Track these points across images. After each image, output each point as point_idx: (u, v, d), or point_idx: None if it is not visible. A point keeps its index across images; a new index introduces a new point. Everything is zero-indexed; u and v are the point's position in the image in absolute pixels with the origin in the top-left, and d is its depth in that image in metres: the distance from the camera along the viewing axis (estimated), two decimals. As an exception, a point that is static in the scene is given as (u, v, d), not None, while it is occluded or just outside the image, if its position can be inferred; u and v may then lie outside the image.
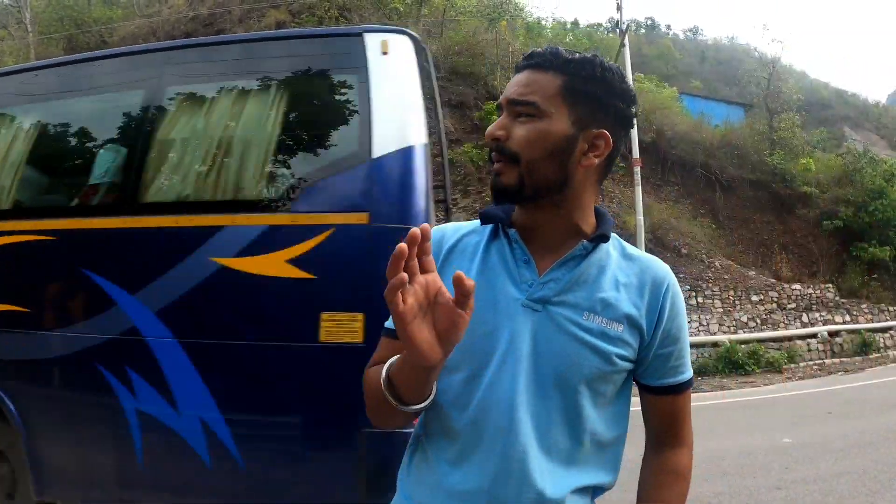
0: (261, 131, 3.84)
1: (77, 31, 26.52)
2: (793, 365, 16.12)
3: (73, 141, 4.36)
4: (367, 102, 3.60)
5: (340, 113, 3.86)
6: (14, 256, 4.03)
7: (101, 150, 4.14)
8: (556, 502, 1.31)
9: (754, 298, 18.72)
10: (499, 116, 1.38)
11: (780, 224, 23.62)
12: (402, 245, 0.99)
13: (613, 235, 1.43)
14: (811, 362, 16.60)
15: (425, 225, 1.02)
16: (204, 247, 3.58)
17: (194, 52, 4.46)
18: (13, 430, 3.87)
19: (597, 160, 1.36)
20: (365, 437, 3.24)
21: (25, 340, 3.93)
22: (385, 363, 1.27)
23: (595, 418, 1.35)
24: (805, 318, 18.21)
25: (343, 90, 3.90)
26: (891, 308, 19.89)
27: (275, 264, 3.45)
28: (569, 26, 44.99)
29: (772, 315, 18.17)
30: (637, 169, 16.98)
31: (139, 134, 4.02)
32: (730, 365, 15.55)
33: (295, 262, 3.42)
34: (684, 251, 19.42)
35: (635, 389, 1.47)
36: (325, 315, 3.35)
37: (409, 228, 1.02)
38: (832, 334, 17.78)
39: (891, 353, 17.80)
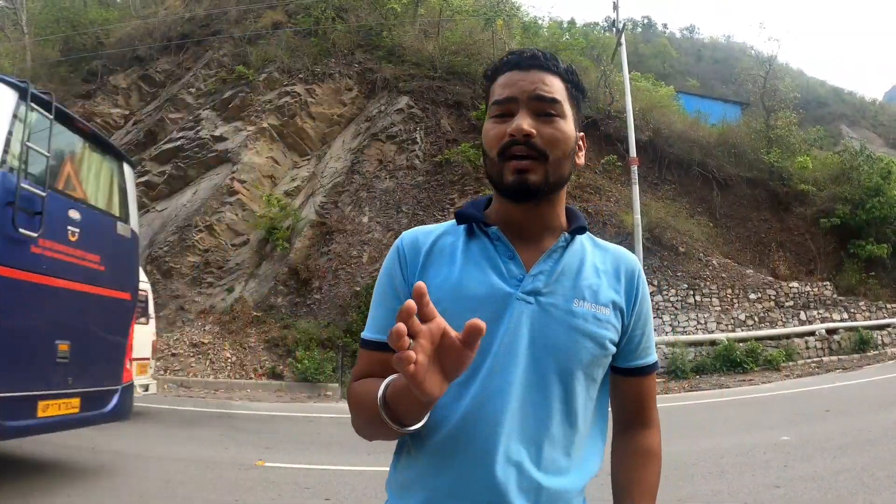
0: None
1: (73, 33, 26.53)
2: (791, 363, 16.16)
3: None
4: None
5: None
6: None
7: None
8: (556, 492, 1.32)
9: (752, 296, 18.74)
10: (503, 111, 1.38)
11: (778, 222, 23.65)
12: (410, 303, 0.98)
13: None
14: (809, 360, 16.64)
15: (421, 283, 1.02)
16: None
17: None
18: None
19: (580, 160, 1.45)
20: None
21: None
22: (375, 379, 1.28)
23: (588, 405, 1.39)
24: (803, 316, 18.24)
25: None
26: (888, 305, 19.92)
27: None
28: (565, 25, 44.97)
29: (769, 313, 18.18)
30: (634, 168, 16.99)
31: None
32: (728, 363, 15.58)
33: None
34: (682, 250, 19.43)
35: None
36: None
37: None
38: (830, 332, 17.81)
39: (888, 350, 17.84)
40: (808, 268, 22.47)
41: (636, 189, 16.78)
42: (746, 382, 14.28)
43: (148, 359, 10.19)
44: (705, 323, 17.24)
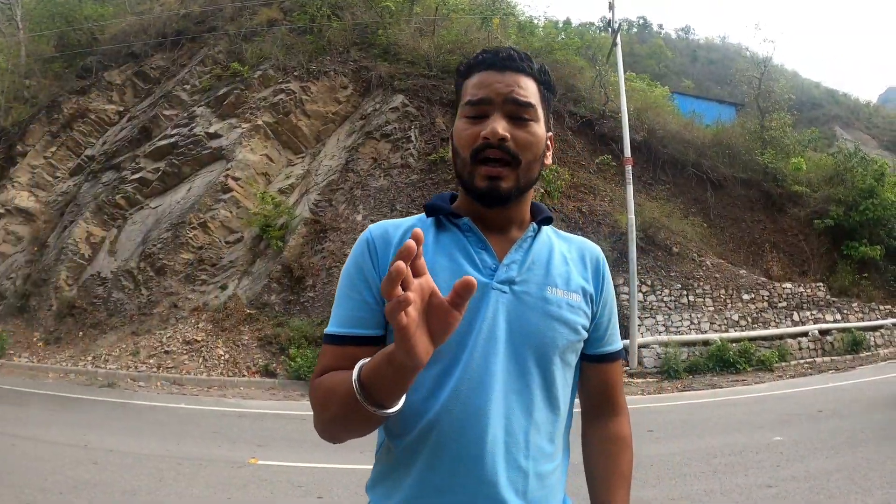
0: None
1: (68, 29, 26.41)
2: (784, 363, 16.19)
3: None
4: None
5: None
6: None
7: None
8: (543, 478, 1.34)
9: (745, 297, 18.78)
10: (477, 113, 1.38)
11: (772, 223, 23.70)
12: (411, 243, 0.96)
13: None
14: (802, 361, 16.67)
15: (418, 229, 0.99)
16: None
17: None
18: None
19: (548, 160, 1.47)
20: None
21: None
22: (343, 371, 1.25)
23: (566, 389, 1.42)
24: (796, 317, 18.29)
25: None
26: (881, 307, 20.01)
27: None
28: (561, 25, 44.94)
29: (763, 314, 18.23)
30: (628, 168, 16.99)
31: None
32: (721, 363, 15.60)
33: None
34: (675, 250, 19.45)
35: None
36: None
37: None
38: (823, 333, 17.86)
39: (881, 351, 17.89)
40: (802, 269, 22.52)
41: (630, 189, 16.78)
42: (739, 383, 14.30)
43: None
44: (698, 323, 17.26)
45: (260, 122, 20.37)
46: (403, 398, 1.16)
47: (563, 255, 1.46)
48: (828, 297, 19.99)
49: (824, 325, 18.20)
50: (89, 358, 15.90)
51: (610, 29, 22.18)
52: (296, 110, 20.63)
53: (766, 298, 19.01)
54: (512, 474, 1.29)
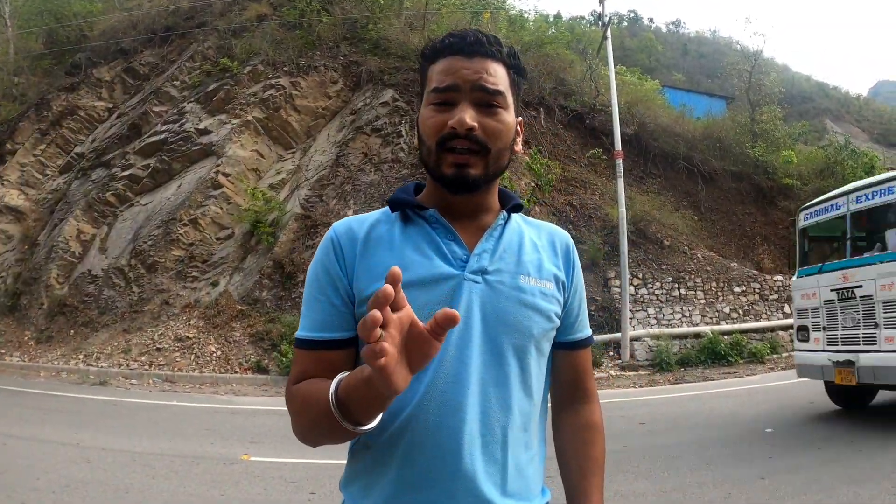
0: None
1: (57, 25, 26.30)
2: (775, 355, 16.25)
3: None
4: None
5: None
6: None
7: None
8: (521, 469, 1.33)
9: (736, 290, 18.83)
10: (443, 100, 1.34)
11: (762, 216, 23.76)
12: (388, 288, 0.92)
13: None
14: (793, 353, 16.72)
15: (396, 268, 0.96)
16: None
17: None
18: None
19: (518, 146, 1.45)
20: None
21: None
22: (321, 379, 1.23)
23: (540, 378, 1.41)
24: (787, 309, 18.33)
25: None
26: (871, 298, 20.06)
27: None
28: (551, 19, 44.98)
29: (754, 306, 18.30)
30: (619, 161, 17.02)
31: None
32: (713, 356, 15.66)
33: None
34: (666, 243, 19.49)
35: None
36: None
37: None
38: (814, 325, 17.91)
39: (871, 342, 17.94)
40: (793, 261, 22.56)
41: (621, 182, 16.81)
42: (731, 375, 14.36)
43: None
44: (690, 316, 17.32)
45: (250, 118, 20.31)
46: (380, 416, 1.14)
47: (533, 243, 1.44)
48: (818, 289, 20.05)
49: (815, 317, 18.25)
50: (81, 356, 15.86)
51: (600, 23, 22.19)
52: (286, 106, 20.58)
53: (757, 291, 19.07)
54: (490, 467, 1.27)
